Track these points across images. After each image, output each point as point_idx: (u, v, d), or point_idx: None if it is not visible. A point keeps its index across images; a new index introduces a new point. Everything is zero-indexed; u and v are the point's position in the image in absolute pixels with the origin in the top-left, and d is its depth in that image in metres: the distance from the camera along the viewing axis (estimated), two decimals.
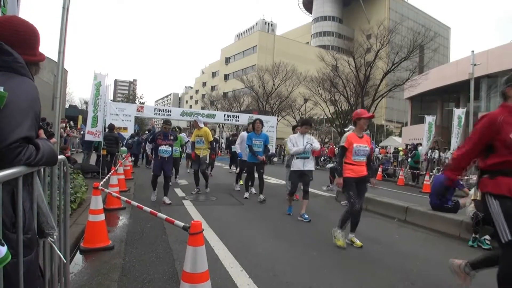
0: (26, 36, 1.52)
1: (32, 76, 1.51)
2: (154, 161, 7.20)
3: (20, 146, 1.24)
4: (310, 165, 6.23)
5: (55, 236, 1.58)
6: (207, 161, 8.74)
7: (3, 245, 1.07)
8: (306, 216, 6.02)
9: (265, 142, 7.90)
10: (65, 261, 2.09)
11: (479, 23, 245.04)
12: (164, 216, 2.63)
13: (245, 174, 8.57)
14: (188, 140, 11.68)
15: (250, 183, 8.27)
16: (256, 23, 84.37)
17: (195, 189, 8.40)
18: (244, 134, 9.03)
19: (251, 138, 7.85)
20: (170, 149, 7.05)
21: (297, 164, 6.18)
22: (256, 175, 8.05)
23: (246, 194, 8.18)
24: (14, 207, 1.31)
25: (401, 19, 49.83)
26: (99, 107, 10.19)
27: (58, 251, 1.85)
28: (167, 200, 6.94)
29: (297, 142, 6.25)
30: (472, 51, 15.77)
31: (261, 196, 7.68)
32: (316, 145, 6.30)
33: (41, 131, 1.51)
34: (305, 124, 6.43)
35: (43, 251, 1.80)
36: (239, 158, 9.26)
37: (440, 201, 5.92)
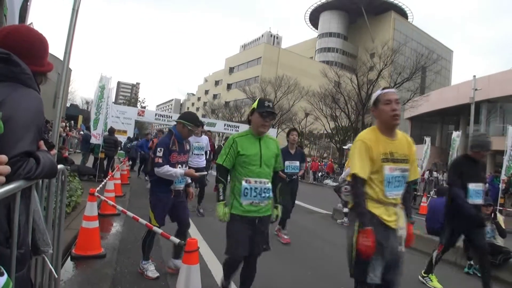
0: (35, 47, 1.50)
1: (38, 87, 1.49)
2: (155, 198, 3.58)
3: (21, 160, 1.22)
4: None
5: (50, 252, 1.55)
6: None
7: (2, 275, 1.02)
8: None
9: None
10: (56, 276, 2.03)
11: (482, 47, 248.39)
12: (159, 231, 2.60)
13: None
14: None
15: None
16: (262, 35, 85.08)
17: None
18: None
19: None
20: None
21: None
22: None
23: None
24: (9, 221, 1.27)
25: (405, 39, 50.50)
26: (101, 110, 10.21)
27: (50, 265, 1.80)
28: (179, 264, 2.99)
29: None
30: (474, 75, 16.01)
31: None
32: None
33: (42, 143, 1.47)
34: None
35: (35, 264, 1.76)
36: None
37: (438, 226, 5.88)
